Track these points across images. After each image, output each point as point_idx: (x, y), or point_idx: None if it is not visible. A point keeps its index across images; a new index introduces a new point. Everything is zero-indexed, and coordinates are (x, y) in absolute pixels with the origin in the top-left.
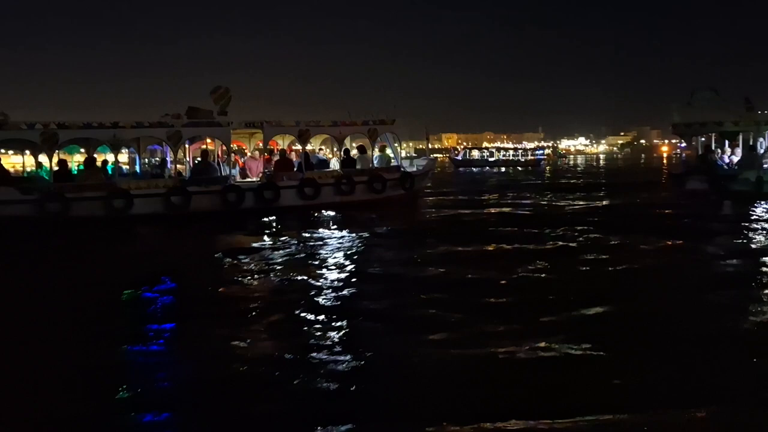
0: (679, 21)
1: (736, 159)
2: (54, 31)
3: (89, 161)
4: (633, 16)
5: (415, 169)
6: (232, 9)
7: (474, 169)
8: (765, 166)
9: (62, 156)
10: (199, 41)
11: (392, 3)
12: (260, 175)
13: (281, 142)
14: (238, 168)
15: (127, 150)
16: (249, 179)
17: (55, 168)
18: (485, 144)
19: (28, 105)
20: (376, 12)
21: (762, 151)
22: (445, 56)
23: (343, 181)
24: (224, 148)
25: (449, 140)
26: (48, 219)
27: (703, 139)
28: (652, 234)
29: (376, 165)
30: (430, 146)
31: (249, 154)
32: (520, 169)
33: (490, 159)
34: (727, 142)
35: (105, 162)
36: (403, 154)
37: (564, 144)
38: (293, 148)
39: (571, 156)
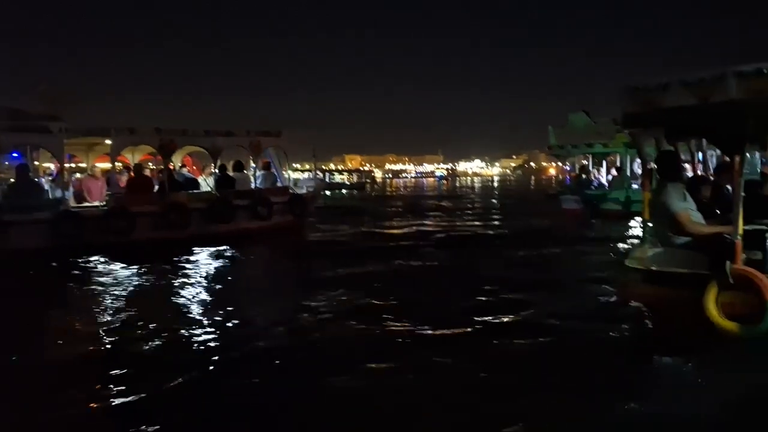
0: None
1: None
2: None
3: None
4: (524, 41)
5: (305, 190)
6: None
7: None
8: (633, 186)
9: None
10: None
11: (297, 25)
12: (104, 198)
13: (131, 157)
14: (71, 190)
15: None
16: (88, 204)
17: None
18: (387, 165)
19: None
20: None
21: (629, 172)
22: (352, 77)
23: (220, 205)
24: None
25: (353, 161)
26: None
27: (584, 161)
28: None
29: (259, 185)
30: (333, 167)
31: (88, 171)
32: (344, 192)
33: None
34: (604, 162)
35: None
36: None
37: (462, 166)
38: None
39: (469, 178)
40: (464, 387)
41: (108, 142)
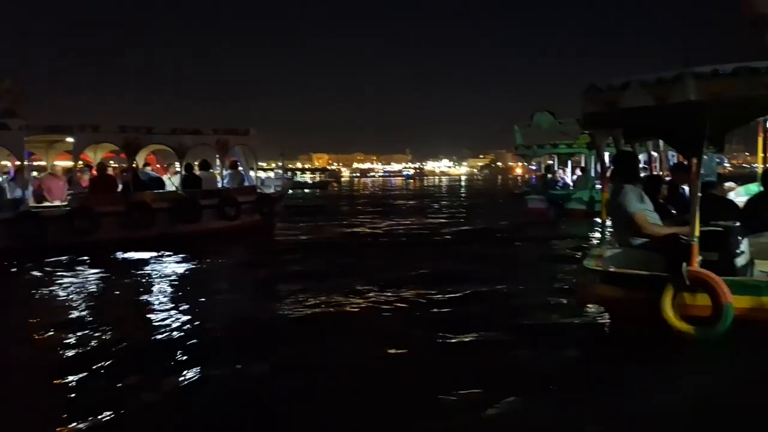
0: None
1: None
2: None
3: None
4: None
5: (272, 189)
6: None
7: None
8: (597, 186)
9: None
10: None
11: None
12: (66, 198)
13: (92, 155)
14: (30, 189)
15: None
16: (49, 203)
17: None
18: (355, 164)
19: None
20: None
21: (594, 172)
22: (321, 77)
23: (187, 205)
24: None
25: (320, 160)
26: None
27: (550, 161)
28: None
29: (226, 185)
30: (300, 166)
31: (49, 170)
32: (307, 191)
33: None
34: (569, 162)
35: None
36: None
37: (429, 165)
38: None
39: (436, 177)
40: (455, 386)
41: (69, 139)
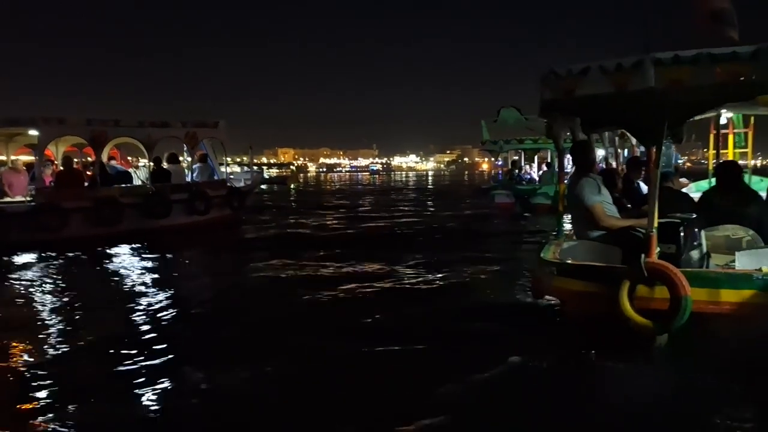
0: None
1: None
2: None
3: None
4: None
5: (242, 183)
6: None
7: None
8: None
9: None
10: None
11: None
12: (27, 193)
13: (54, 149)
14: None
15: None
16: (10, 199)
17: None
18: (321, 159)
19: None
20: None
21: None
22: (287, 71)
23: (156, 199)
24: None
25: (285, 155)
26: None
27: (516, 157)
28: None
29: (195, 178)
30: (265, 160)
31: (9, 164)
32: (264, 187)
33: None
34: (536, 158)
35: None
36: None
37: (396, 161)
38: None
39: (403, 173)
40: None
41: (32, 132)
